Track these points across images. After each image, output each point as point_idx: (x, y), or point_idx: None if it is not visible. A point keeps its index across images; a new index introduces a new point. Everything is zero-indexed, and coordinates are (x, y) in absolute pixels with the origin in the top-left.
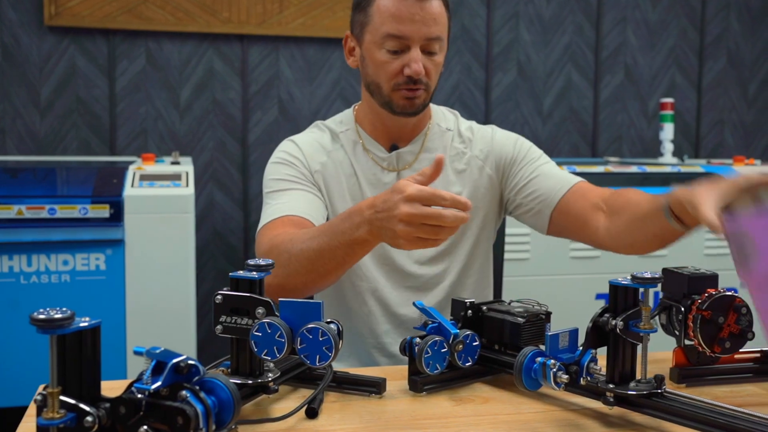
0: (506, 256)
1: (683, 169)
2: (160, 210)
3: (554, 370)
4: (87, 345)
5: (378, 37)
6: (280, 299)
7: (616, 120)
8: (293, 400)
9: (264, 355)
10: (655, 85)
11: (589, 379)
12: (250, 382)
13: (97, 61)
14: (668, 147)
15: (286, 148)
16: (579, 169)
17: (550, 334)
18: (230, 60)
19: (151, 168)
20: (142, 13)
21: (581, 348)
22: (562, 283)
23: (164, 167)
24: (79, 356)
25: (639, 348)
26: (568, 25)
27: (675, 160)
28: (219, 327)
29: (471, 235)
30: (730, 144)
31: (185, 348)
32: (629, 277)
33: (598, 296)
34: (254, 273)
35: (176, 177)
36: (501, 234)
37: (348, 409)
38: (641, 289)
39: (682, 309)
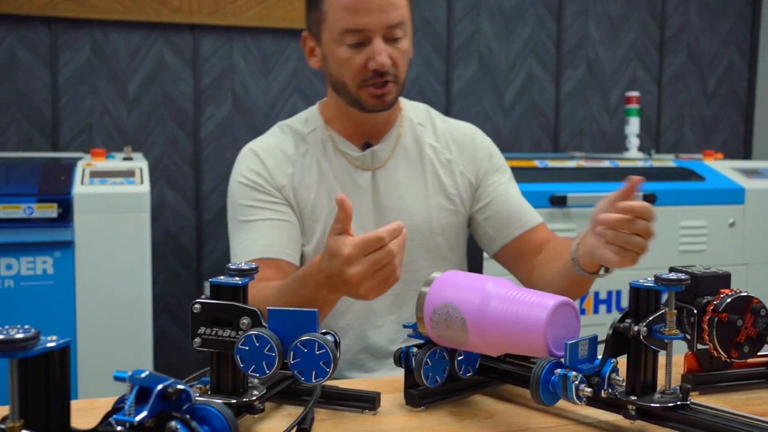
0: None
1: (655, 164)
2: (113, 209)
3: (576, 382)
4: (54, 369)
5: (336, 34)
6: (268, 307)
7: (577, 114)
8: (280, 419)
9: (251, 372)
10: (617, 79)
11: (610, 391)
12: (233, 401)
13: (37, 51)
14: (634, 142)
15: (248, 163)
16: (551, 164)
17: (570, 342)
18: (181, 51)
19: (102, 164)
20: (86, 1)
21: (600, 357)
22: None
23: (116, 163)
24: (45, 383)
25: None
26: (530, 16)
27: (641, 155)
28: (197, 340)
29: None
30: (689, 139)
31: (142, 357)
32: (651, 278)
33: (584, 296)
34: (237, 279)
35: (130, 173)
36: None
37: (341, 428)
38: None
39: (695, 311)
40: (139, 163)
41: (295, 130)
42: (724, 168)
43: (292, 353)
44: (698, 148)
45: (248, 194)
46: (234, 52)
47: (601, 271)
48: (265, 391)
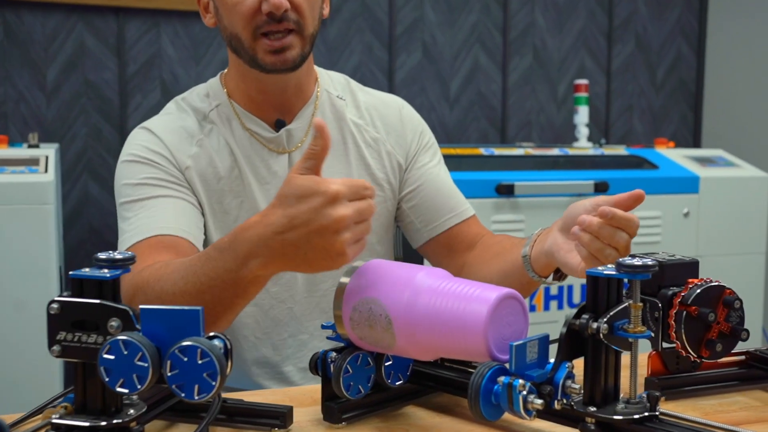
0: None
1: (606, 152)
2: (11, 200)
3: (524, 393)
4: None
5: None
6: (141, 306)
7: (525, 105)
8: None
9: (119, 387)
10: (564, 68)
11: (565, 401)
12: (103, 423)
13: None
14: (583, 131)
15: (141, 140)
16: (497, 152)
17: (515, 344)
18: (104, 36)
19: (2, 152)
20: None
21: (552, 361)
22: None
23: (18, 151)
24: None
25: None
26: (475, 3)
27: (590, 145)
28: (56, 347)
29: (378, 233)
30: (638, 130)
31: (47, 375)
32: (612, 266)
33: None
34: (105, 271)
35: (33, 162)
36: None
37: None
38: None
39: (659, 304)
40: (45, 151)
41: (196, 107)
42: (677, 156)
43: (169, 363)
44: (648, 138)
45: (140, 172)
46: (162, 38)
47: (550, 278)
48: (145, 408)
